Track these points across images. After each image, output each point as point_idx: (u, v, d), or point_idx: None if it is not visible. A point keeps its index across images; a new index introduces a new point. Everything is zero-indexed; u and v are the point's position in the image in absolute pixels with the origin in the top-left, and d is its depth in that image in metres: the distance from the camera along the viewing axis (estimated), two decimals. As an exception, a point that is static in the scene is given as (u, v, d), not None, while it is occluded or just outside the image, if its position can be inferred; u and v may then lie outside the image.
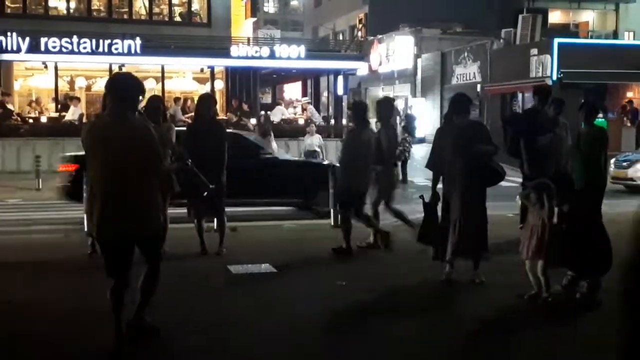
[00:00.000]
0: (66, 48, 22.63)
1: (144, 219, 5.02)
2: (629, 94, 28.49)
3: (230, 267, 7.87)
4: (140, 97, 5.22)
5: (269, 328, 5.79)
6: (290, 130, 22.93)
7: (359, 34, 40.27)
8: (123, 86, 5.10)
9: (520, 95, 29.54)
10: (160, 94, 22.25)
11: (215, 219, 9.20)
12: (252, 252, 8.78)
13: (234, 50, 24.00)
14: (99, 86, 25.04)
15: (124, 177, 4.90)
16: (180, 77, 26.64)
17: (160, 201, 5.21)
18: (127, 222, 4.96)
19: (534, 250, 6.43)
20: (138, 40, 23.11)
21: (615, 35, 33.35)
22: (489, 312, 6.34)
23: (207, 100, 9.09)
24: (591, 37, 29.47)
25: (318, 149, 15.02)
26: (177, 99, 22.50)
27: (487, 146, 7.12)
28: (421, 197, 7.44)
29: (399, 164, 18.04)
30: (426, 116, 32.89)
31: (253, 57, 24.08)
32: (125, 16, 27.68)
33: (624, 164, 16.61)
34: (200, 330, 5.72)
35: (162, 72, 24.62)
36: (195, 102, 9.52)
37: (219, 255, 8.54)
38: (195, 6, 28.09)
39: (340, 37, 45.15)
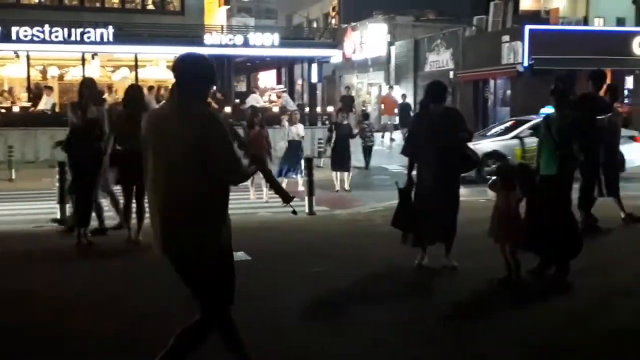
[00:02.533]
0: (38, 37, 22.32)
1: (191, 235, 3.97)
2: (599, 80, 28.73)
3: (204, 256, 7.82)
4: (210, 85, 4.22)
5: (246, 316, 5.75)
6: (265, 118, 22.78)
7: (333, 21, 40.16)
8: (187, 73, 4.04)
9: (492, 82, 29.69)
10: (134, 82, 22.04)
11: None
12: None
13: (208, 38, 23.82)
14: (72, 75, 24.75)
15: (180, 180, 3.93)
16: (154, 66, 26.37)
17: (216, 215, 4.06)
18: (175, 237, 3.99)
19: (502, 233, 6.49)
20: (111, 29, 22.84)
21: (585, 21, 33.52)
22: (462, 296, 6.39)
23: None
24: (562, 24, 29.56)
25: (301, 138, 14.99)
26: (150, 88, 22.26)
27: (462, 133, 7.17)
28: (396, 182, 7.49)
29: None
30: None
31: (227, 45, 23.90)
32: (98, 4, 27.36)
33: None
34: (175, 320, 5.68)
35: (136, 60, 24.39)
36: (169, 90, 9.43)
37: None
38: (168, -6, 27.87)
39: (314, 25, 44.98)
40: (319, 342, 5.21)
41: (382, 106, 30.17)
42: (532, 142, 15.48)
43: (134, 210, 8.78)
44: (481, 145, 15.71)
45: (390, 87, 31.59)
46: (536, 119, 16.99)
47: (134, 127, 8.48)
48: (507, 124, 18.20)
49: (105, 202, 9.56)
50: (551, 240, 6.50)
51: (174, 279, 6.32)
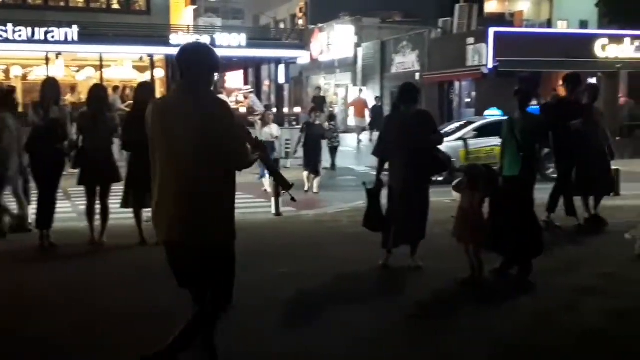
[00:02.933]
0: (1, 36, 22.03)
1: (212, 224, 4.03)
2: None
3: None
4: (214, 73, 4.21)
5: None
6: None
7: (300, 22, 40.16)
8: (193, 61, 4.06)
9: (457, 84, 29.92)
10: (99, 82, 21.80)
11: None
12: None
13: (174, 38, 23.69)
14: (36, 75, 24.42)
15: (197, 170, 3.96)
16: (119, 66, 26.15)
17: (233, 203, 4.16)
18: (197, 227, 4.01)
19: (466, 234, 6.53)
20: (75, 28, 22.61)
21: (549, 24, 33.98)
22: (427, 296, 6.41)
23: (147, 87, 8.94)
24: (526, 26, 29.94)
25: (275, 139, 14.90)
26: (115, 88, 22.06)
27: (434, 135, 7.20)
28: (364, 183, 7.50)
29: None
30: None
31: (193, 46, 23.77)
32: (62, 4, 27.04)
33: None
34: (139, 321, 5.62)
35: (101, 60, 24.16)
36: (134, 90, 9.34)
37: (158, 245, 8.38)
38: (134, -6, 27.63)
39: (282, 26, 44.92)
40: (285, 341, 5.18)
41: (353, 108, 30.07)
42: (475, 144, 15.62)
43: (97, 211, 8.66)
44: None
45: (360, 90, 31.60)
46: (480, 121, 17.23)
47: (97, 126, 8.46)
48: (458, 125, 18.20)
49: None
50: (514, 240, 6.55)
51: (140, 279, 6.25)
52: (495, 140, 16.27)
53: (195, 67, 4.03)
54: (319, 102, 27.25)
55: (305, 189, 14.22)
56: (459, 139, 16.29)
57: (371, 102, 29.32)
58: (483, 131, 16.02)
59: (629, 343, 5.13)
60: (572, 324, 5.55)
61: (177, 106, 4.02)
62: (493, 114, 18.91)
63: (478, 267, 6.56)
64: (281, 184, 4.43)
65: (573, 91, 9.45)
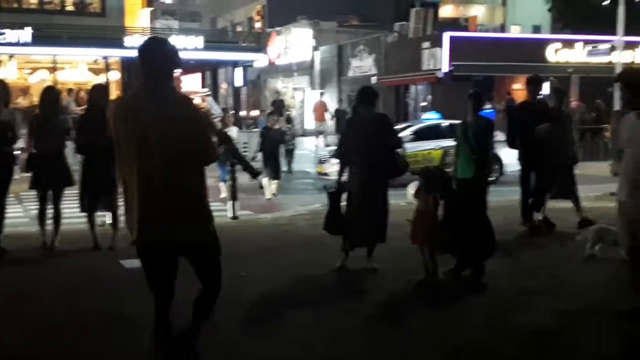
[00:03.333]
0: (-49, 37, 21.52)
1: (191, 222, 4.05)
2: (516, 86, 29.52)
3: (123, 262, 7.64)
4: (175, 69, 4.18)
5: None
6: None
7: (257, 25, 40.06)
8: (153, 57, 4.04)
9: (413, 88, 30.15)
10: (52, 85, 21.44)
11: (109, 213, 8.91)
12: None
13: (129, 40, 23.42)
14: (-13, 77, 23.93)
15: (168, 168, 3.94)
16: (74, 68, 25.77)
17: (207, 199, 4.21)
18: (174, 226, 4.00)
19: (422, 236, 6.58)
20: (29, 30, 22.20)
21: (503, 29, 34.46)
22: (383, 298, 6.43)
23: (100, 89, 8.81)
24: (480, 31, 30.33)
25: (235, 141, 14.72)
26: (69, 90, 21.76)
27: (393, 139, 7.24)
28: (324, 187, 7.48)
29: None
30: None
31: (149, 48, 23.53)
32: (15, 5, 26.52)
33: (321, 159, 16.94)
34: (89, 327, 5.53)
35: (55, 63, 23.78)
36: (88, 92, 9.20)
37: (112, 249, 8.30)
38: (88, -5, 27.25)
39: (239, 29, 44.74)
40: (241, 345, 5.15)
41: (316, 112, 29.80)
42: (412, 147, 14.97)
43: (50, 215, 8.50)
44: None
45: (321, 93, 31.40)
46: (418, 124, 17.27)
47: (49, 129, 8.30)
48: (398, 128, 18.23)
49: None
50: (467, 242, 6.62)
51: (90, 285, 6.14)
52: (432, 144, 16.11)
53: (155, 63, 4.01)
54: (278, 106, 27.16)
55: (268, 197, 13.86)
56: None
57: (333, 106, 29.33)
58: (420, 134, 16.01)
59: (577, 343, 5.21)
60: (522, 324, 5.61)
61: (140, 105, 3.98)
62: (431, 118, 19.01)
63: (432, 269, 6.60)
64: (249, 172, 4.51)
65: (535, 93, 9.48)
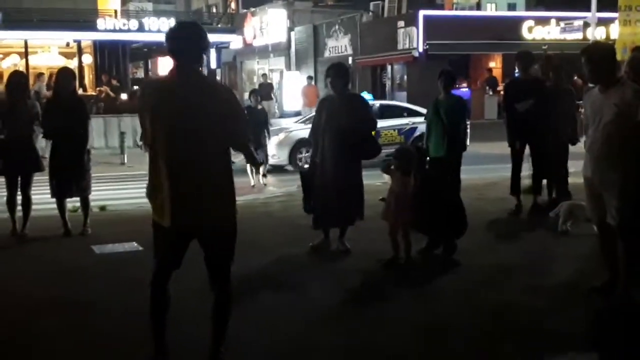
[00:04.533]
0: None
1: (218, 206, 4.03)
2: (491, 64, 29.58)
3: (94, 247, 7.57)
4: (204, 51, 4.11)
5: (134, 307, 5.59)
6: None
7: (232, 6, 39.71)
8: (181, 41, 4.03)
9: (389, 67, 30.10)
10: (24, 69, 21.16)
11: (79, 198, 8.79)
12: (120, 231, 8.44)
13: (101, 23, 23.12)
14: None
15: (196, 153, 3.93)
16: (46, 52, 25.42)
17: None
18: (202, 210, 3.99)
19: (394, 215, 6.55)
20: (-2, 14, 21.83)
21: (478, 7, 34.43)
22: (356, 278, 6.40)
23: (66, 74, 8.63)
24: (456, 9, 30.29)
25: None
26: (39, 75, 21.43)
27: (367, 120, 7.15)
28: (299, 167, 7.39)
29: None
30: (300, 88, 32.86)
31: (121, 30, 23.27)
32: (-17, -12, 26.06)
33: None
34: (59, 312, 5.46)
35: (26, 46, 23.43)
36: (55, 76, 9.03)
37: (83, 235, 8.21)
38: (59, -22, 26.79)
39: (214, 10, 44.35)
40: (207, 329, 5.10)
41: (306, 98, 28.97)
42: None
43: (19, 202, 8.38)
44: (296, 132, 15.54)
45: (310, 77, 30.30)
46: None
47: (16, 115, 8.16)
48: None
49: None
50: (439, 220, 6.60)
51: (59, 272, 6.03)
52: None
53: (184, 47, 4.00)
54: (266, 90, 26.52)
55: (252, 184, 13.00)
56: None
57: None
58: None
59: (545, 320, 5.22)
60: (492, 302, 5.62)
61: (173, 89, 3.99)
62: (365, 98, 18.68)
63: (406, 249, 6.59)
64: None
65: (526, 69, 8.99)
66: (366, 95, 18.98)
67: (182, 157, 3.93)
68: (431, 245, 6.85)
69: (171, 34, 4.09)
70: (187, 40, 4.03)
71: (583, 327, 5.14)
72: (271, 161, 14.84)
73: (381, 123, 13.51)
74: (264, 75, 31.93)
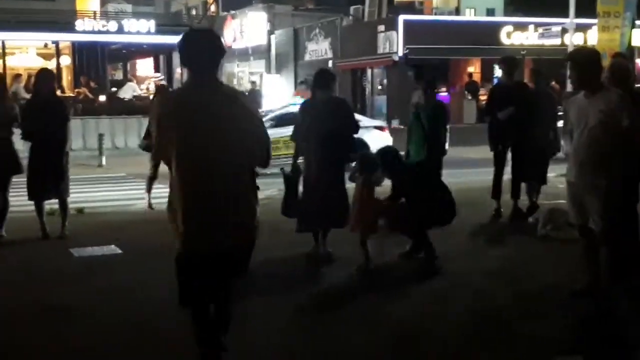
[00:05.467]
0: None
1: (236, 229, 3.81)
2: (470, 69, 29.76)
3: (72, 251, 7.48)
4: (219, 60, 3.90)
5: (115, 313, 5.53)
6: (143, 107, 22.32)
7: (212, 8, 39.59)
8: (197, 50, 3.80)
9: (369, 71, 30.15)
10: (1, 70, 20.93)
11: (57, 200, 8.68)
12: (98, 234, 8.37)
13: (79, 24, 22.92)
14: None
15: (214, 170, 3.71)
16: (24, 53, 25.17)
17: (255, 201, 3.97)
18: (218, 233, 3.78)
19: (355, 221, 6.52)
20: (-26, 14, 21.58)
21: (457, 12, 34.64)
22: (330, 282, 6.42)
23: (45, 75, 8.53)
24: (435, 14, 30.43)
25: None
26: (17, 76, 21.20)
27: (350, 124, 7.13)
28: (281, 169, 7.34)
29: None
30: (281, 92, 32.85)
31: (100, 32, 23.09)
32: (-40, -12, 25.76)
33: None
34: (36, 318, 5.38)
35: (3, 47, 23.18)
36: (34, 77, 8.92)
37: (62, 238, 8.11)
38: (37, -22, 26.55)
39: (193, 12, 44.21)
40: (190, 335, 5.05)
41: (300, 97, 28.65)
42: (273, 134, 14.58)
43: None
44: None
45: (302, 82, 29.97)
46: (279, 111, 16.20)
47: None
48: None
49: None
50: (419, 223, 6.59)
51: (34, 275, 5.91)
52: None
53: (200, 56, 3.77)
54: (256, 96, 26.31)
55: None
56: None
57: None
58: (282, 120, 14.69)
59: (524, 323, 5.23)
60: (469, 307, 5.60)
61: (186, 101, 3.77)
62: (295, 103, 17.16)
63: (365, 255, 6.55)
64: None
65: (510, 74, 8.94)
66: (299, 100, 18.06)
67: (194, 175, 3.70)
68: (415, 249, 6.84)
69: (185, 43, 3.83)
70: (203, 49, 3.81)
71: (564, 331, 5.14)
72: None
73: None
74: (253, 82, 31.70)
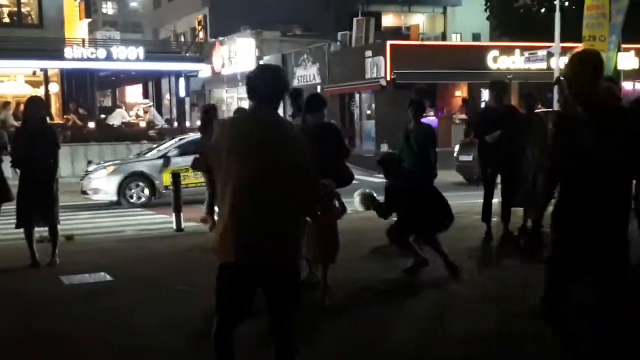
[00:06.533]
0: None
1: (279, 240, 3.86)
2: (457, 93, 29.95)
3: (62, 278, 7.44)
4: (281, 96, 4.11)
5: (107, 336, 5.50)
6: (131, 134, 22.37)
7: (200, 35, 39.79)
8: (265, 85, 4.00)
9: (357, 96, 30.30)
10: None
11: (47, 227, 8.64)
12: (89, 261, 8.33)
13: (68, 51, 22.94)
14: None
15: (264, 201, 3.81)
16: (12, 81, 25.16)
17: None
18: (263, 242, 3.84)
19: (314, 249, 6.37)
20: (-36, 43, 21.56)
21: (444, 37, 34.97)
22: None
23: (35, 103, 8.54)
24: (422, 39, 30.69)
25: None
26: (6, 104, 21.18)
27: (341, 148, 7.14)
28: None
29: None
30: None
31: (89, 59, 23.13)
32: (-51, 17, 25.79)
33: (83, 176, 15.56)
34: (27, 348, 5.34)
35: (-9, 75, 23.15)
36: (24, 105, 8.92)
37: (52, 266, 8.06)
38: (25, 7, 26.54)
39: (182, 39, 44.38)
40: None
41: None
42: (178, 162, 14.11)
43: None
44: (127, 165, 15.10)
45: (237, 110, 30.42)
46: (186, 139, 15.41)
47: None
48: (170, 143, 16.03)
49: None
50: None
51: (24, 304, 5.87)
52: None
53: (267, 91, 3.98)
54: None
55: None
56: (162, 156, 14.97)
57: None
58: (187, 148, 14.31)
59: (515, 345, 5.24)
60: (462, 329, 5.61)
61: (246, 130, 3.94)
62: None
63: (323, 288, 6.42)
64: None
65: (499, 98, 9.01)
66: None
67: (244, 204, 3.79)
68: (417, 265, 6.91)
69: (256, 78, 4.04)
70: (270, 85, 4.00)
71: (556, 352, 5.15)
72: (97, 196, 14.56)
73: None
74: (241, 108, 31.77)
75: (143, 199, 14.63)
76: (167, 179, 13.96)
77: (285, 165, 3.86)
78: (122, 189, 14.46)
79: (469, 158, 16.05)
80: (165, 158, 14.83)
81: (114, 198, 14.52)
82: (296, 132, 4.11)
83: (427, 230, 7.07)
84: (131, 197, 14.56)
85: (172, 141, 15.87)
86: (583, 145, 4.09)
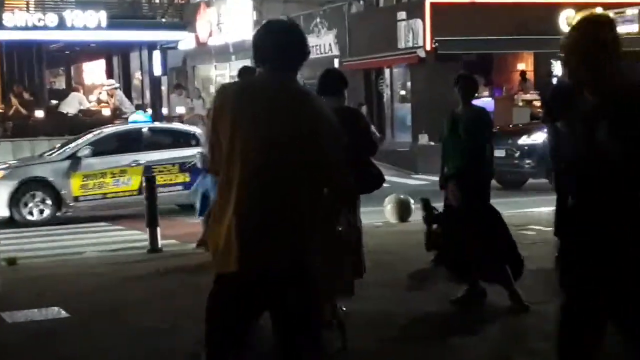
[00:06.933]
0: None
1: (291, 242, 3.89)
2: (520, 66, 29.85)
3: (4, 315, 7.50)
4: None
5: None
6: (92, 124, 22.40)
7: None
8: (280, 44, 4.01)
9: (387, 72, 30.24)
10: None
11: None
12: (37, 292, 8.42)
13: (8, 18, 23.09)
14: None
15: (274, 184, 3.87)
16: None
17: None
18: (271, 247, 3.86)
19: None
20: None
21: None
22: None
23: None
24: (472, -4, 30.68)
25: None
26: None
27: (366, 141, 7.11)
28: None
29: None
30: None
31: (35, 28, 23.25)
32: None
33: None
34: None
35: None
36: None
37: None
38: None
39: (157, 1, 44.58)
40: None
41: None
42: (95, 164, 14.35)
43: None
44: (24, 169, 15.03)
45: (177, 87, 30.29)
46: (106, 132, 15.87)
47: None
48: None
49: None
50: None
51: None
52: (129, 158, 14.57)
53: (284, 50, 3.98)
54: None
55: None
56: (69, 156, 14.90)
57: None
58: (107, 145, 14.75)
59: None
60: None
61: (263, 97, 3.95)
62: (138, 119, 17.61)
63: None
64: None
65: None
66: (139, 116, 17.94)
67: (250, 187, 3.84)
68: (468, 294, 7.17)
69: (265, 37, 4.05)
70: (286, 45, 4.00)
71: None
72: None
73: (156, 155, 13.89)
74: None
75: (46, 214, 14.44)
76: (76, 186, 14.09)
77: (311, 151, 3.89)
78: (15, 200, 14.18)
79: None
80: (75, 159, 14.71)
81: (5, 213, 14.27)
82: (325, 107, 4.14)
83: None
84: (30, 212, 14.32)
85: (86, 137, 15.73)
86: (593, 140, 4.03)
